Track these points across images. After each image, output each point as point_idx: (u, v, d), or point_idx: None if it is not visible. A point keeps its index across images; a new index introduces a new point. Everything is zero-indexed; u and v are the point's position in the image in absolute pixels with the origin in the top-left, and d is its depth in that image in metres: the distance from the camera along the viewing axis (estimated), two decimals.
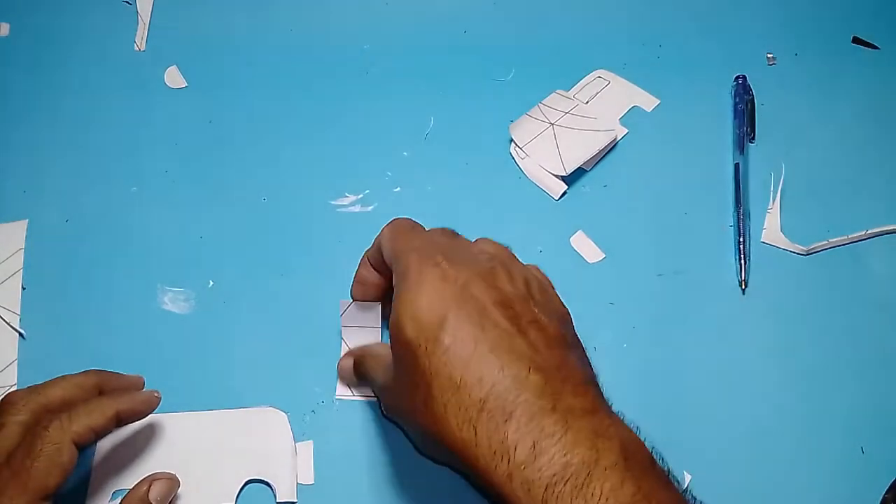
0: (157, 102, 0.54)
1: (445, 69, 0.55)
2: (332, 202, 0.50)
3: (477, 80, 0.54)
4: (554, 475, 0.29)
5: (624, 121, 0.52)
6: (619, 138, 0.51)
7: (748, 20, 0.56)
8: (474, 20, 0.57)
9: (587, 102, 0.52)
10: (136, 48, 0.56)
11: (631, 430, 0.32)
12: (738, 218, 0.49)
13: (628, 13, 0.57)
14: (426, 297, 0.33)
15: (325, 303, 0.46)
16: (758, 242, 0.49)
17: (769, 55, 0.55)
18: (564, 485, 0.29)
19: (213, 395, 0.44)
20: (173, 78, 0.55)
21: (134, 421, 0.38)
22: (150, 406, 0.38)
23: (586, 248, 0.49)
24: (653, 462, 0.31)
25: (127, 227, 0.49)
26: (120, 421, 0.37)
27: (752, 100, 0.53)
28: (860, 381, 0.45)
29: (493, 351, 0.31)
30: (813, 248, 0.48)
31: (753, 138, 0.52)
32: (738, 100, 0.53)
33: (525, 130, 0.51)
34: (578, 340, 0.37)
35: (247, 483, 0.41)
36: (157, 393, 0.39)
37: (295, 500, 0.41)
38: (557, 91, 0.53)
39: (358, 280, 0.43)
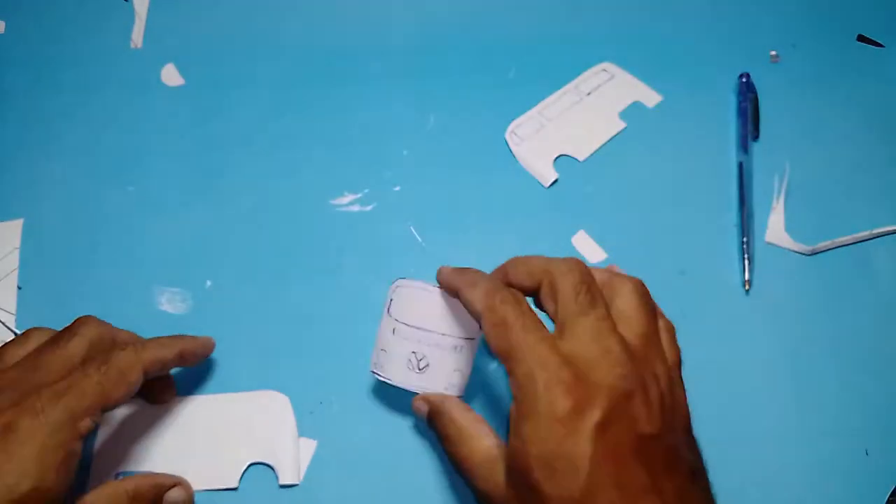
0: (155, 100, 0.53)
1: (445, 69, 0.54)
2: (332, 201, 0.50)
3: (477, 80, 0.54)
4: None
5: (625, 116, 0.52)
6: (616, 133, 0.51)
7: (752, 18, 0.56)
8: (474, 20, 0.56)
9: (589, 94, 0.53)
10: (133, 45, 0.55)
11: None
12: (742, 217, 0.48)
13: (630, 11, 0.57)
14: (558, 445, 0.30)
15: (324, 303, 0.46)
16: (761, 242, 0.48)
17: (773, 53, 0.55)
18: None
19: (209, 392, 0.43)
20: (170, 76, 0.54)
21: (193, 363, 0.41)
22: (208, 349, 0.42)
23: (588, 247, 0.48)
24: None
25: (123, 227, 0.49)
26: (183, 359, 0.40)
27: (756, 98, 0.52)
28: (865, 382, 0.45)
29: None
30: (817, 248, 0.48)
31: (757, 137, 0.51)
32: (741, 98, 0.52)
33: (525, 120, 0.52)
34: (699, 455, 0.34)
35: (249, 466, 0.41)
36: (213, 340, 0.42)
37: (297, 483, 0.41)
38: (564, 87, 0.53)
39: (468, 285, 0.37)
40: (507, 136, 0.51)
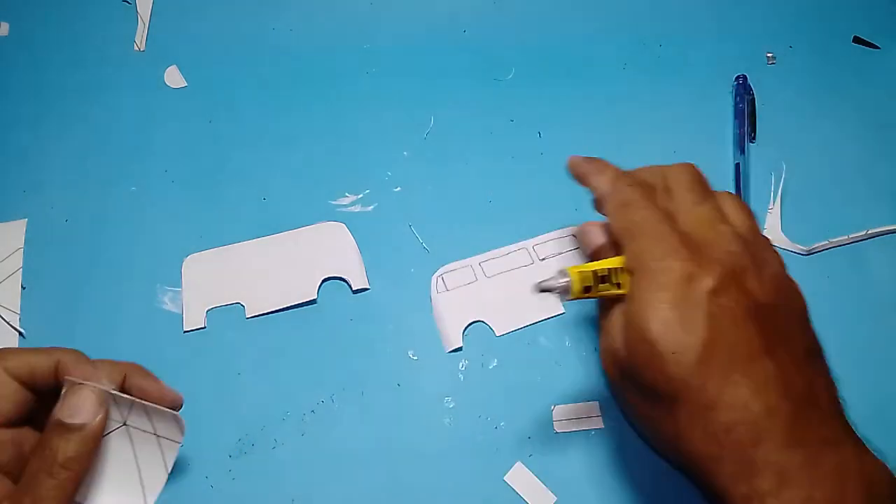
0: (157, 102, 0.53)
1: (445, 69, 0.55)
2: (332, 202, 0.50)
3: (477, 80, 0.54)
4: None
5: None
6: (550, 317, 0.46)
7: (748, 20, 0.56)
8: (474, 20, 0.57)
9: (543, 260, 0.47)
10: (136, 48, 0.56)
11: (877, 462, 0.32)
12: None
13: (628, 13, 0.57)
14: (674, 306, 0.32)
15: (324, 303, 0.46)
16: None
17: (769, 55, 0.55)
18: None
19: (216, 384, 0.44)
20: (173, 78, 0.55)
21: (81, 377, 0.35)
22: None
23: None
24: None
25: (127, 227, 0.49)
26: (62, 368, 0.35)
27: (753, 99, 0.53)
28: (861, 381, 0.45)
29: (745, 375, 0.31)
30: (814, 248, 0.48)
31: (754, 138, 0.52)
32: (738, 99, 0.53)
33: (458, 267, 0.47)
34: (816, 339, 0.35)
35: (323, 281, 0.46)
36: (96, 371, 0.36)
37: (367, 287, 0.47)
38: (523, 242, 0.48)
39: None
40: (433, 279, 0.47)
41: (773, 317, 0.33)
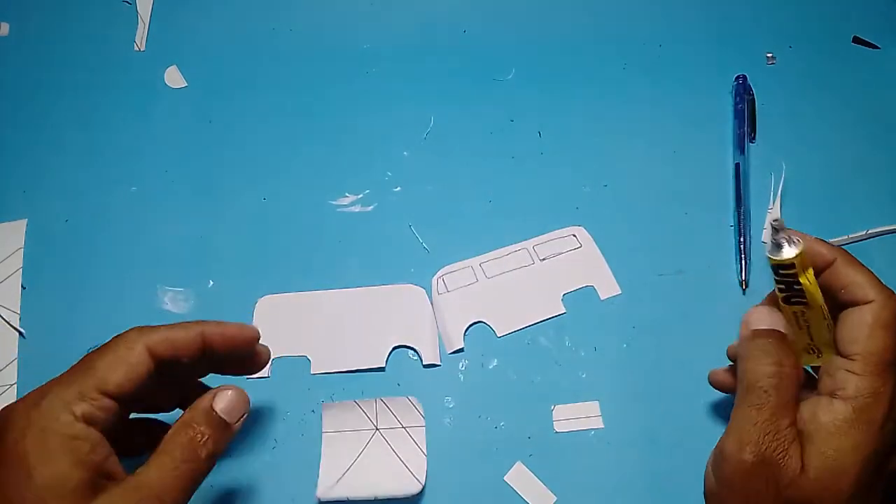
0: (157, 102, 0.54)
1: (445, 69, 0.55)
2: (332, 202, 0.50)
3: (477, 80, 0.54)
4: None
5: (569, 301, 0.47)
6: (550, 317, 0.46)
7: (748, 20, 0.56)
8: (474, 20, 0.57)
9: (543, 260, 0.47)
10: (136, 48, 0.56)
11: None
12: (739, 218, 0.49)
13: (628, 13, 0.57)
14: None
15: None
16: (758, 242, 0.49)
17: (769, 55, 0.55)
18: None
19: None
20: (173, 78, 0.55)
21: (229, 352, 0.37)
22: (244, 334, 0.38)
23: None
24: None
25: (127, 227, 0.49)
26: (208, 344, 0.36)
27: (753, 99, 0.53)
28: None
29: None
30: None
31: (754, 138, 0.52)
32: (738, 99, 0.53)
33: (459, 268, 0.47)
34: None
35: (394, 349, 0.45)
36: (253, 328, 0.38)
37: (439, 364, 0.45)
38: (523, 242, 0.48)
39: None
40: (434, 280, 0.47)
41: None
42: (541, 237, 0.48)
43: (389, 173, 0.51)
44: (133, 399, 0.34)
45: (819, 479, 0.32)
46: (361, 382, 0.44)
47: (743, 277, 0.47)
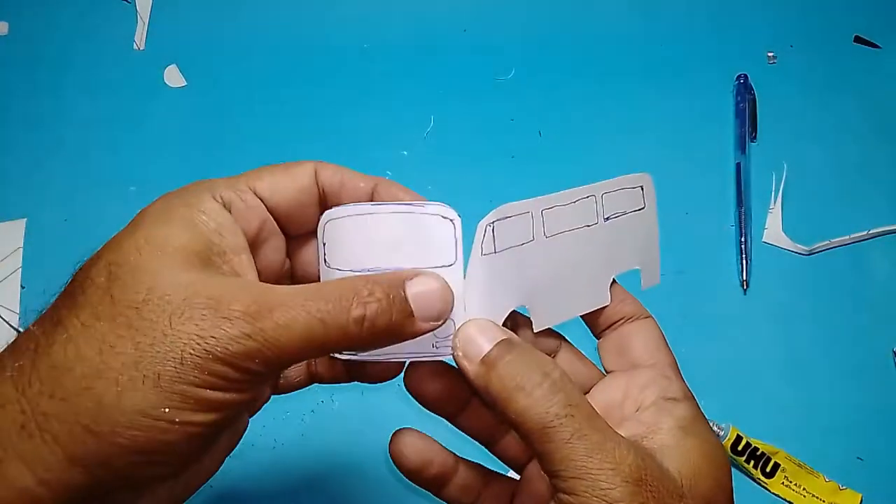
0: (157, 101, 0.53)
1: (445, 69, 0.55)
2: None
3: (477, 80, 0.54)
4: None
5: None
6: (592, 310, 0.33)
7: (749, 20, 0.56)
8: (474, 20, 0.57)
9: (607, 219, 0.33)
10: (136, 47, 0.56)
11: None
12: (740, 218, 0.49)
13: (629, 13, 0.57)
14: None
15: None
16: (759, 242, 0.49)
17: (770, 54, 0.55)
18: None
19: None
20: (173, 77, 0.54)
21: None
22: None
23: None
24: None
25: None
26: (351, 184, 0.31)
27: (754, 99, 0.53)
28: (861, 381, 0.45)
29: None
30: (814, 248, 0.48)
31: (755, 138, 0.52)
32: (739, 99, 0.53)
33: (516, 212, 0.31)
34: None
35: None
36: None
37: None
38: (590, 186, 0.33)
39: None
40: (480, 228, 0.30)
41: None
42: (608, 182, 0.33)
43: (389, 173, 0.51)
44: (286, 218, 0.30)
45: None
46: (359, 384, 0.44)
47: (744, 277, 0.47)
